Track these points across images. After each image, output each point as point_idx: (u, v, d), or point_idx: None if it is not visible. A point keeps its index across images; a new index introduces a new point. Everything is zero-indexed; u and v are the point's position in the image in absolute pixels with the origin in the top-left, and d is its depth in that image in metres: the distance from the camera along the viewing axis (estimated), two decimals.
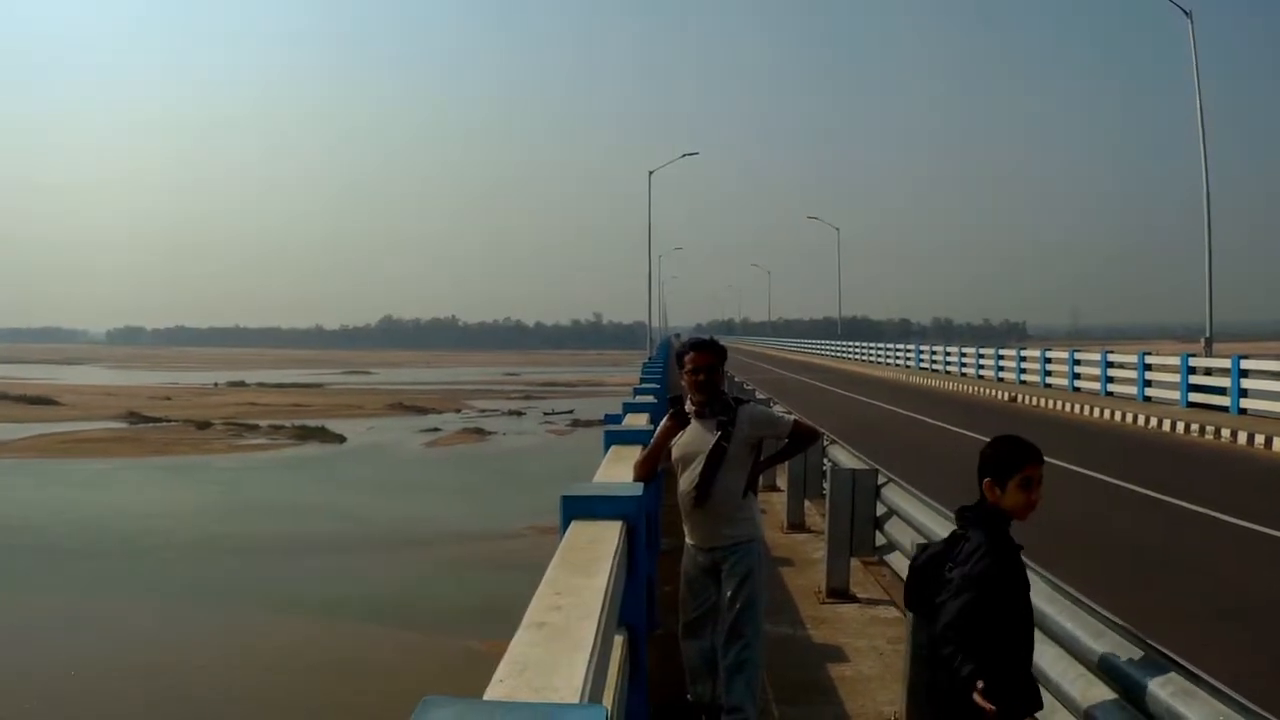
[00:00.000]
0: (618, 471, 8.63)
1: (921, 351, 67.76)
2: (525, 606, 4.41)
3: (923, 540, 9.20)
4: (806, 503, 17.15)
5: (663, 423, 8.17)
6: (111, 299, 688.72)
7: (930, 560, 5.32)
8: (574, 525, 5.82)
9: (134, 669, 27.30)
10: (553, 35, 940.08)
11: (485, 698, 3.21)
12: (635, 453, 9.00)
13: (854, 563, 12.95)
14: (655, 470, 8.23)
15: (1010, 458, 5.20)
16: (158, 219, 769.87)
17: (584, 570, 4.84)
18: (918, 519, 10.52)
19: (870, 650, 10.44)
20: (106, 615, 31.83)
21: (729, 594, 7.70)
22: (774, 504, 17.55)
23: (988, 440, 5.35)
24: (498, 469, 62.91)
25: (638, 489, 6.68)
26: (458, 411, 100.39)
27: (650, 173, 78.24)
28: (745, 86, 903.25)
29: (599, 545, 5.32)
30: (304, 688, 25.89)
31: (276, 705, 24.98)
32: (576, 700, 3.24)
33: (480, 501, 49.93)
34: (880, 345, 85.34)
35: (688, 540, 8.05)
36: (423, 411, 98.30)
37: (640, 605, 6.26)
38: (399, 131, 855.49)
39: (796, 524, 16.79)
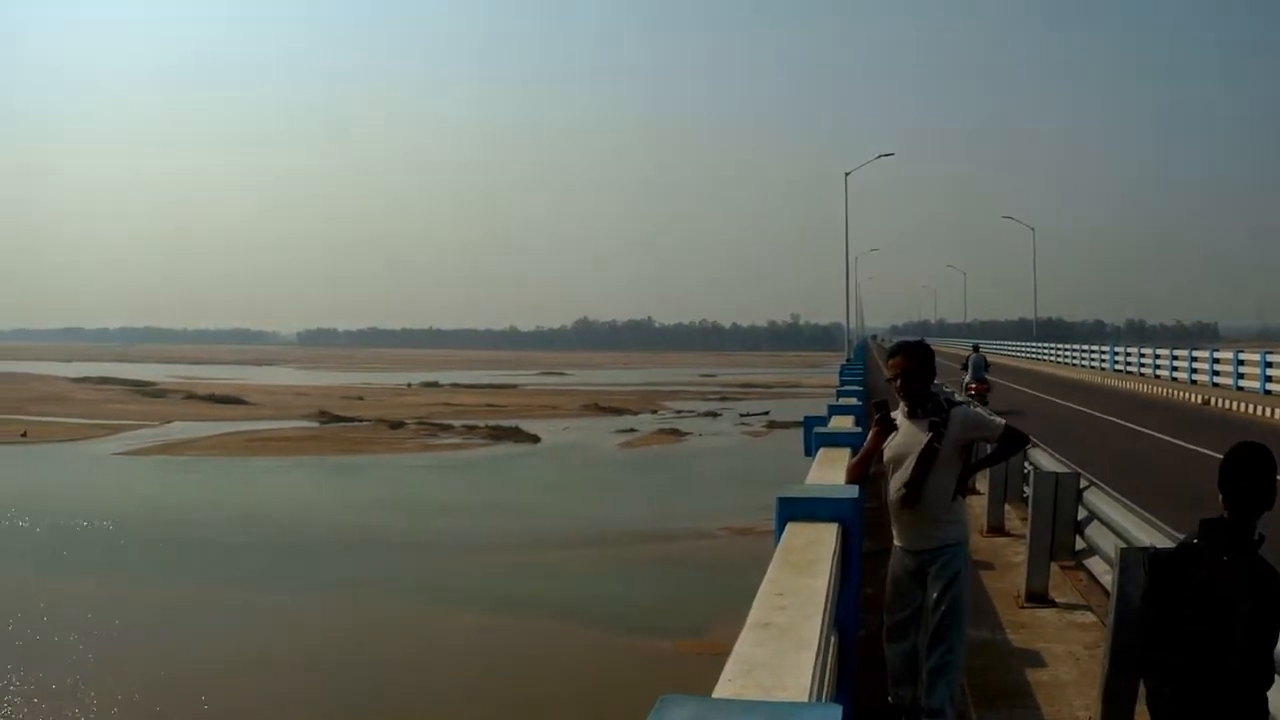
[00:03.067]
0: (828, 474, 8.65)
1: (1115, 353, 66.86)
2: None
3: (1123, 544, 9.08)
4: (1006, 506, 17.02)
5: (871, 432, 8.19)
6: (303, 300, 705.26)
7: (1210, 583, 5.05)
8: (791, 526, 5.83)
9: (317, 663, 27.80)
10: (757, 37, 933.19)
11: (714, 696, 3.26)
12: (844, 455, 9.02)
13: (1052, 567, 12.83)
14: (867, 474, 8.22)
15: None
16: (351, 222, 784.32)
17: (805, 571, 4.86)
18: (1120, 524, 10.39)
19: (1067, 656, 10.32)
20: (288, 609, 32.42)
21: (935, 596, 7.68)
22: (973, 507, 17.37)
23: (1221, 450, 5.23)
24: (692, 470, 62.95)
25: (853, 491, 6.69)
26: (654, 412, 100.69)
27: (846, 174, 77.53)
28: (942, 86, 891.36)
29: (817, 547, 5.34)
30: (502, 685, 26.18)
31: (478, 701, 25.29)
32: (805, 701, 3.28)
33: (674, 502, 50.03)
34: (1074, 347, 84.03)
35: (896, 542, 8.02)
36: (619, 412, 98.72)
37: (851, 607, 6.28)
38: (600, 137, 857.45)
39: (996, 527, 16.59)
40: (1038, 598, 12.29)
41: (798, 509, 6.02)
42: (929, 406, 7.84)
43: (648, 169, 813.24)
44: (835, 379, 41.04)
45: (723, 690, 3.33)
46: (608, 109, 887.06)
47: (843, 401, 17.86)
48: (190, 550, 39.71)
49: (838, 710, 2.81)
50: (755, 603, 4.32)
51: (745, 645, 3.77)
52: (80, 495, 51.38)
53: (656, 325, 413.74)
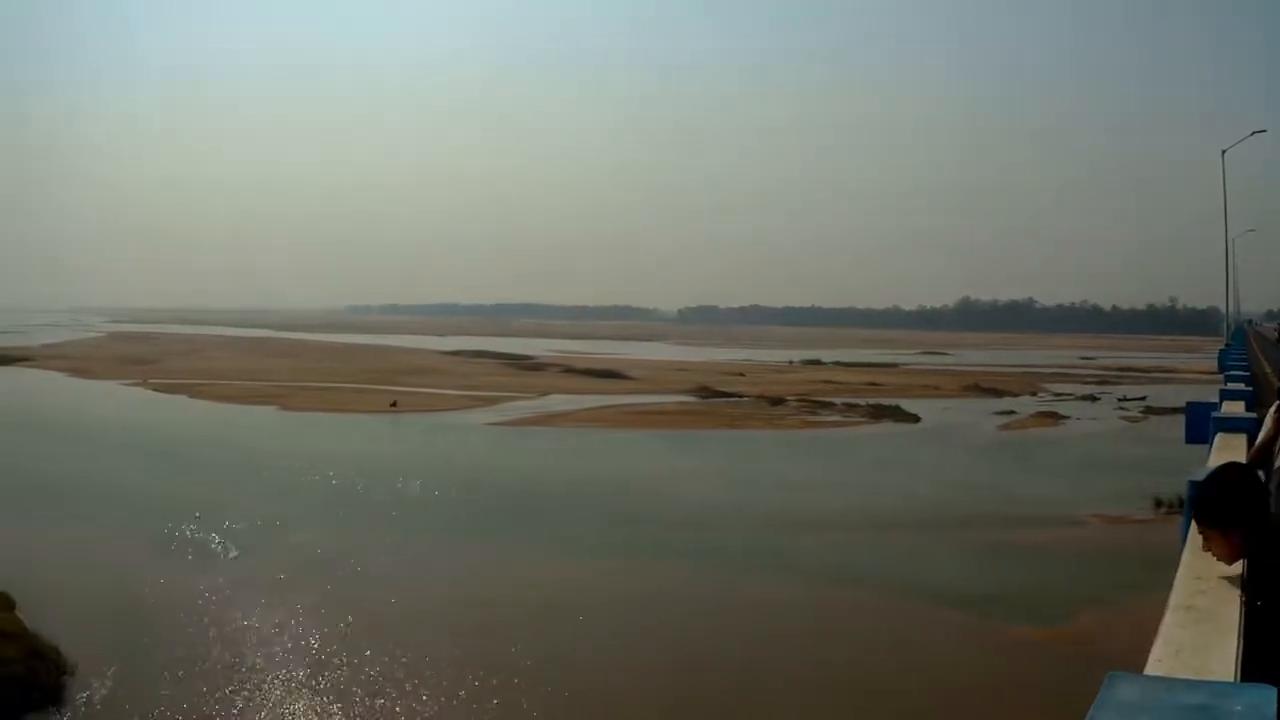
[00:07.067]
0: (1226, 459, 8.50)
1: None
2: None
3: None
4: None
5: (1270, 416, 8.03)
6: (684, 279, 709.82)
7: None
8: None
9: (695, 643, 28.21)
10: (1124, 31, 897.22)
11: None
12: (1241, 440, 8.84)
13: None
14: (1269, 460, 7.89)
15: None
16: (739, 208, 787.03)
17: None
18: None
19: None
20: (649, 585, 32.99)
21: None
22: None
23: None
24: (1067, 454, 61.74)
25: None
26: (1033, 394, 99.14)
27: (1223, 151, 74.50)
28: None
29: None
30: (848, 663, 26.24)
31: (832, 685, 25.41)
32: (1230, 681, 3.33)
33: (1046, 486, 49.23)
34: None
35: None
36: (998, 394, 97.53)
37: None
38: (969, 127, 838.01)
39: None
40: None
41: None
42: None
43: (1023, 153, 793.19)
44: (1210, 365, 39.68)
45: (1153, 669, 3.40)
46: (964, 95, 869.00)
47: (1231, 386, 17.34)
48: (578, 521, 40.89)
49: (1273, 692, 2.86)
50: (1175, 584, 4.37)
51: (1170, 627, 3.82)
52: (450, 463, 53.43)
53: (1037, 306, 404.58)
